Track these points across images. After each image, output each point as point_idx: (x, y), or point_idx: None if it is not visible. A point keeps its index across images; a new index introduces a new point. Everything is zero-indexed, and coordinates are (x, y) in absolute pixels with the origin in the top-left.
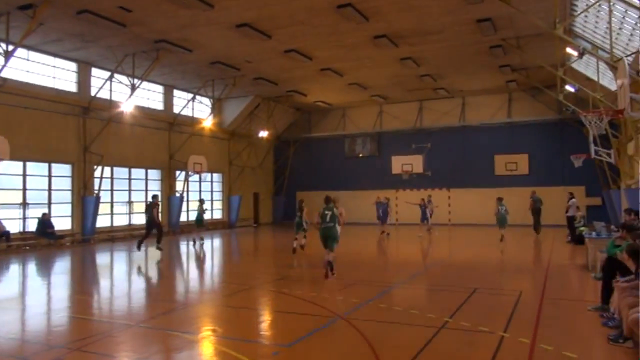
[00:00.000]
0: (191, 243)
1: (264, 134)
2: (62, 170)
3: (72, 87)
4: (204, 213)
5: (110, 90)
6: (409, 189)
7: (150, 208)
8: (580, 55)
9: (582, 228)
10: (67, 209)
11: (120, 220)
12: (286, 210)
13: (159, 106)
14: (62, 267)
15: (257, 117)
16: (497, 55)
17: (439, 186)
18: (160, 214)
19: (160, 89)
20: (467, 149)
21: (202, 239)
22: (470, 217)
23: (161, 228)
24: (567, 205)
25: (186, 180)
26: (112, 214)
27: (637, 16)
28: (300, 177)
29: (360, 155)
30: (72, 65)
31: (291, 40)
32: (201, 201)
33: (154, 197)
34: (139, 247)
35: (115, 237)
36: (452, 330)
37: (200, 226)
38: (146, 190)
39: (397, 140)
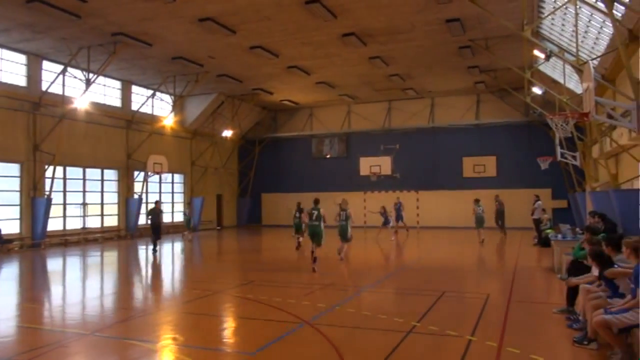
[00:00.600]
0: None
1: (228, 133)
2: (10, 169)
3: (21, 80)
4: (190, 216)
5: (63, 85)
6: (377, 191)
7: (157, 212)
8: (547, 57)
9: (548, 230)
10: (16, 212)
11: (74, 224)
12: (251, 213)
13: (116, 103)
14: (10, 274)
15: (221, 115)
16: (465, 56)
17: (407, 188)
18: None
19: (117, 84)
20: (435, 151)
21: (189, 240)
22: (438, 219)
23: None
24: (533, 207)
25: (145, 181)
26: (64, 216)
27: (602, 20)
28: (266, 178)
29: (328, 156)
30: (22, 58)
31: (257, 36)
32: (189, 203)
33: (157, 201)
34: (154, 252)
35: (69, 241)
36: (419, 334)
37: (188, 228)
38: (102, 191)
39: (366, 141)
